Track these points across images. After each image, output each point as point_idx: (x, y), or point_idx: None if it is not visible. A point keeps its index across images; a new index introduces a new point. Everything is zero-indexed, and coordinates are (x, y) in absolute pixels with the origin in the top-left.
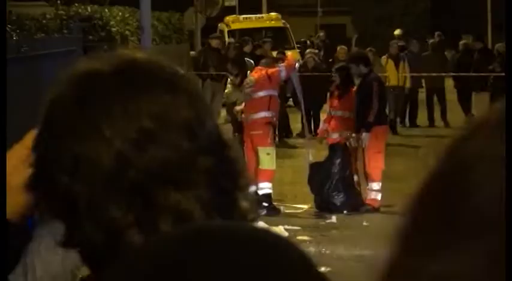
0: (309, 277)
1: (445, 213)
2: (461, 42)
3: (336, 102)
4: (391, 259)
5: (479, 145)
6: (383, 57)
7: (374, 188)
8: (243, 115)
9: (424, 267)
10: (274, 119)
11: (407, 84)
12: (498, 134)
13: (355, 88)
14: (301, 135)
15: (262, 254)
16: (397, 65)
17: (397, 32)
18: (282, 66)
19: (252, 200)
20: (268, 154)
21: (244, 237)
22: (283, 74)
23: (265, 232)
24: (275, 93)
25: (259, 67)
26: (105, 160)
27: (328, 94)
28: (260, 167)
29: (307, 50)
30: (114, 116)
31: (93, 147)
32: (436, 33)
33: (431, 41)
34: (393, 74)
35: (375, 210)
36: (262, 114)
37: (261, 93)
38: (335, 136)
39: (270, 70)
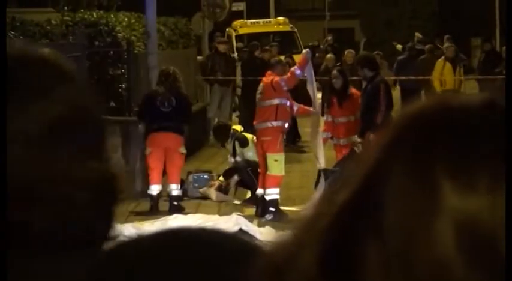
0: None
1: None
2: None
3: (336, 109)
4: None
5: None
6: (439, 60)
7: None
8: (255, 122)
9: None
10: (285, 127)
11: (463, 89)
12: (395, 151)
13: (354, 91)
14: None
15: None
16: (454, 69)
17: (417, 34)
18: (282, 78)
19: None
20: (276, 160)
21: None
22: (299, 73)
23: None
24: (282, 101)
25: (269, 72)
26: None
27: (326, 102)
28: (268, 172)
29: (328, 55)
30: None
31: None
32: (446, 36)
33: (427, 46)
34: (450, 77)
35: None
36: (270, 123)
37: (268, 102)
38: (343, 142)
39: (275, 79)
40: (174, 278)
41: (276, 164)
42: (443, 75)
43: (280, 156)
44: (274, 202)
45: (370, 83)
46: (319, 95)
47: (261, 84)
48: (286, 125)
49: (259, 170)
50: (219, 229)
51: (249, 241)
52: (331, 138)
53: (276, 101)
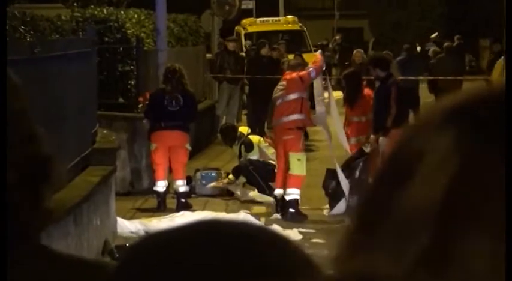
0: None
1: (380, 213)
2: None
3: (347, 109)
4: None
5: (424, 143)
6: (498, 61)
7: None
8: (273, 120)
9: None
10: (306, 122)
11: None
12: (440, 135)
13: (367, 91)
14: None
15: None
16: None
17: (433, 35)
18: (311, 67)
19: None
20: (299, 159)
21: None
22: (313, 75)
23: (263, 229)
24: (306, 95)
25: (288, 71)
26: None
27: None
28: (290, 172)
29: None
30: None
31: None
32: (456, 36)
33: (445, 44)
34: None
35: None
36: (295, 116)
37: (293, 96)
38: (352, 141)
39: (301, 72)
40: (211, 268)
41: (299, 163)
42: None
43: (303, 155)
44: (294, 203)
45: (382, 84)
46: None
47: (284, 82)
48: (306, 122)
49: (275, 169)
50: (248, 220)
51: (280, 233)
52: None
53: (302, 95)
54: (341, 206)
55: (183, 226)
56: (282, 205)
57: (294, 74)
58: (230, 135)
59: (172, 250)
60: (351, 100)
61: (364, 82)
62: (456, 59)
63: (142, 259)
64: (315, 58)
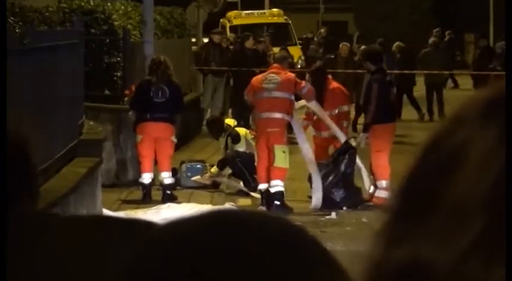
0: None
1: (428, 202)
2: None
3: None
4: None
5: (468, 133)
6: None
7: (380, 187)
8: (257, 112)
9: (397, 253)
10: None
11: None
12: (484, 126)
13: (336, 85)
14: None
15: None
16: None
17: (435, 30)
18: (307, 86)
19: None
20: (284, 151)
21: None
22: (305, 91)
23: (282, 220)
24: (294, 99)
25: (276, 65)
26: None
27: None
28: (275, 165)
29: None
30: None
31: None
32: (447, 32)
33: (431, 39)
34: None
35: (380, 207)
36: (281, 115)
37: (284, 95)
38: (325, 135)
39: (299, 81)
40: (231, 258)
41: (284, 156)
42: None
43: (287, 148)
44: (279, 195)
45: (369, 78)
46: None
47: (277, 77)
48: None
49: (255, 163)
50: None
51: (291, 221)
52: (315, 132)
53: (292, 97)
54: (318, 199)
55: (194, 217)
56: (267, 198)
57: (291, 76)
58: (217, 128)
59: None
60: (318, 95)
61: (330, 76)
62: (444, 54)
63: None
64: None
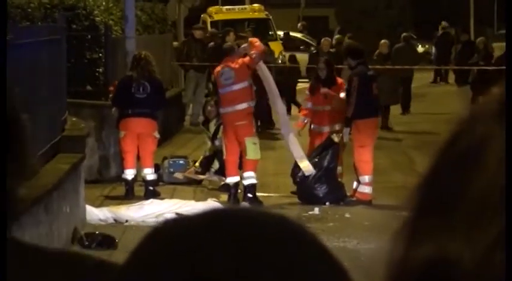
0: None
1: (451, 197)
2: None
3: (321, 97)
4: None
5: (487, 129)
6: None
7: (363, 182)
8: (222, 107)
9: (421, 250)
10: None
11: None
12: (502, 122)
13: (341, 80)
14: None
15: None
16: None
17: (443, 23)
18: (254, 52)
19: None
20: (254, 143)
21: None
22: (257, 60)
23: (282, 218)
24: (252, 81)
25: (228, 58)
26: None
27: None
28: (247, 157)
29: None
30: None
31: None
32: (441, 26)
33: (404, 34)
34: None
35: (363, 203)
36: (246, 104)
37: (243, 85)
38: (326, 130)
39: (246, 59)
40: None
41: (255, 147)
42: None
43: (257, 139)
44: (252, 188)
45: (351, 74)
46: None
47: (228, 70)
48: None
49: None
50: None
51: (291, 219)
52: (311, 125)
53: (250, 81)
54: (308, 164)
55: (199, 214)
56: (234, 192)
57: (240, 62)
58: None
59: (189, 238)
60: (328, 87)
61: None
62: (412, 49)
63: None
64: (253, 45)
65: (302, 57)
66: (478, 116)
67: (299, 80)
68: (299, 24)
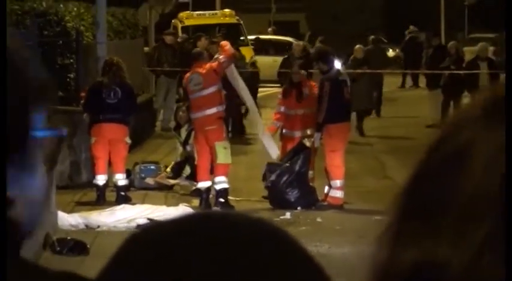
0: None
1: (437, 201)
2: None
3: (293, 101)
4: (379, 248)
5: (471, 134)
6: None
7: (334, 186)
8: (192, 112)
9: (408, 253)
10: (224, 112)
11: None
12: (487, 126)
13: (313, 84)
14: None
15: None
16: None
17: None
18: (222, 57)
19: None
20: (225, 148)
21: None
22: (226, 64)
23: (259, 220)
24: (221, 86)
25: (196, 63)
26: None
27: (283, 93)
28: (217, 161)
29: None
30: None
31: None
32: (408, 30)
33: (372, 37)
34: None
35: (335, 207)
36: (216, 109)
37: (212, 89)
38: (297, 134)
39: (214, 64)
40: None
41: (225, 152)
42: None
43: (228, 144)
44: (224, 192)
45: (322, 78)
46: None
47: (196, 75)
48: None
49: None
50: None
51: (271, 223)
52: (282, 129)
53: (219, 85)
54: (275, 150)
55: (176, 219)
56: (206, 197)
57: (207, 67)
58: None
59: (168, 243)
60: (299, 93)
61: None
62: (381, 52)
63: (138, 253)
64: (223, 47)
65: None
66: (462, 121)
67: (259, 85)
68: (269, 29)
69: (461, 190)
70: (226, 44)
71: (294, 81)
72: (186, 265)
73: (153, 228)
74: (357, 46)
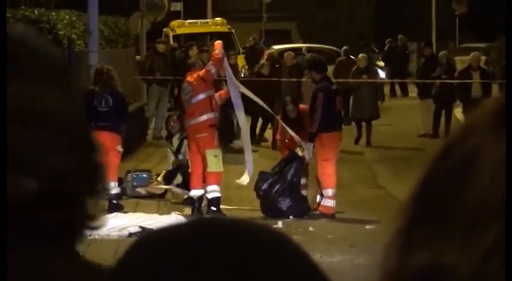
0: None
1: (446, 207)
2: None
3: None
4: (387, 253)
5: (479, 141)
6: None
7: (326, 195)
8: (185, 120)
9: (415, 257)
10: (217, 120)
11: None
12: (495, 133)
13: (303, 107)
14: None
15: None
16: None
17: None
18: (210, 63)
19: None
20: (215, 156)
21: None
22: (214, 71)
23: (262, 226)
24: (213, 93)
25: (190, 72)
26: None
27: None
28: (208, 170)
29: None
30: None
31: None
32: (387, 40)
33: (344, 48)
34: None
35: (327, 216)
36: (206, 116)
37: (202, 96)
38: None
39: (202, 72)
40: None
41: (216, 160)
42: None
43: (219, 152)
44: (216, 201)
45: (315, 88)
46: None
47: (186, 84)
48: (217, 119)
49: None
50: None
51: (275, 229)
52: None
53: (209, 93)
54: (250, 170)
55: (180, 225)
56: (198, 206)
57: (196, 75)
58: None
59: (170, 248)
60: (296, 127)
61: None
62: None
63: (141, 258)
64: (214, 51)
65: None
66: (471, 127)
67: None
68: (250, 38)
69: (468, 196)
70: (218, 44)
71: (291, 117)
72: (190, 270)
73: (157, 233)
74: (360, 55)
